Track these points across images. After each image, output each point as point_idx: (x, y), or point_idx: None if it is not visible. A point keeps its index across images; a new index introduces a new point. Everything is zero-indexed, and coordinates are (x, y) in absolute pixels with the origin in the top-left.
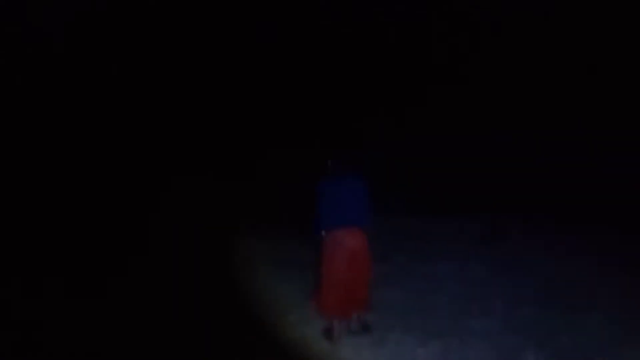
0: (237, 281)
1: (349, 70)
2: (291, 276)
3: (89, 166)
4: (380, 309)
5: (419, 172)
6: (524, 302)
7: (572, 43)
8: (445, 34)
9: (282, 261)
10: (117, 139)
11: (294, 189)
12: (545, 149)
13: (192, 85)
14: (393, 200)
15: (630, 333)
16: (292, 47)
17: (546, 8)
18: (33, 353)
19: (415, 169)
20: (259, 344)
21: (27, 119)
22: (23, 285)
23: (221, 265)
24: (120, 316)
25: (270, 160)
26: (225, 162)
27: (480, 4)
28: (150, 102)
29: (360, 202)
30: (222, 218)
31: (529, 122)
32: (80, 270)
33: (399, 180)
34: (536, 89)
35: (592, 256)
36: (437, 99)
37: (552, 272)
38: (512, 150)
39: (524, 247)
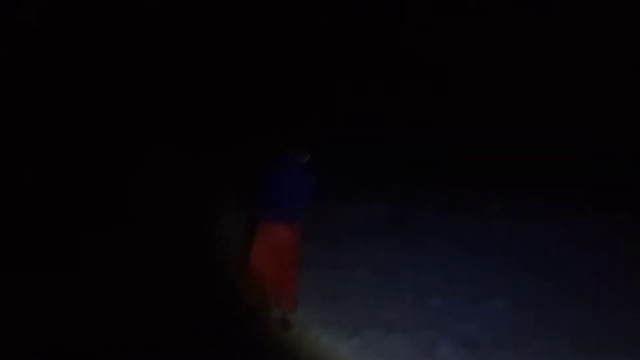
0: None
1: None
2: None
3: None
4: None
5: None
6: (431, 292)
7: (572, 43)
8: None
9: None
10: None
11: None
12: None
13: (186, 81)
14: None
15: (534, 318)
16: (292, 47)
17: (546, 8)
18: None
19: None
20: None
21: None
22: None
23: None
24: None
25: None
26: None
27: (480, 3)
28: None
29: (300, 196)
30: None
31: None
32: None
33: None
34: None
35: (491, 245)
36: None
37: (456, 260)
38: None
39: (429, 234)
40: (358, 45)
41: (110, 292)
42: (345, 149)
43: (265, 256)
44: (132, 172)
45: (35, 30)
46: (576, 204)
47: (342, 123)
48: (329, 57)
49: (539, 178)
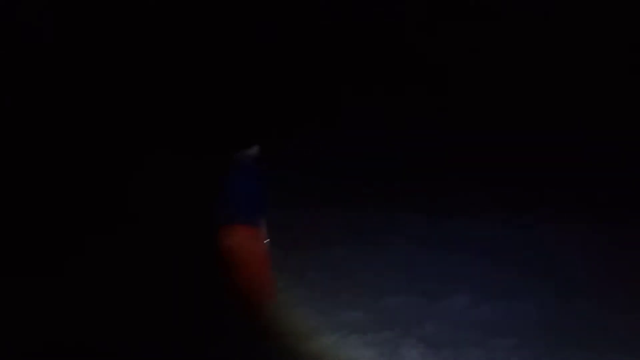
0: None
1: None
2: None
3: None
4: None
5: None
6: (389, 291)
7: (571, 43)
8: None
9: None
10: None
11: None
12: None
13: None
14: None
15: (497, 315)
16: (292, 47)
17: (546, 8)
18: None
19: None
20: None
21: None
22: None
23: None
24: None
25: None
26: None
27: (480, 3)
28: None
29: (254, 195)
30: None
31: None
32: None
33: None
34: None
35: (454, 244)
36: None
37: (413, 258)
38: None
39: (385, 235)
40: (358, 45)
41: (110, 292)
42: (346, 149)
43: (222, 260)
44: (132, 172)
45: (35, 30)
46: (576, 205)
47: (342, 123)
48: (329, 57)
49: (538, 178)
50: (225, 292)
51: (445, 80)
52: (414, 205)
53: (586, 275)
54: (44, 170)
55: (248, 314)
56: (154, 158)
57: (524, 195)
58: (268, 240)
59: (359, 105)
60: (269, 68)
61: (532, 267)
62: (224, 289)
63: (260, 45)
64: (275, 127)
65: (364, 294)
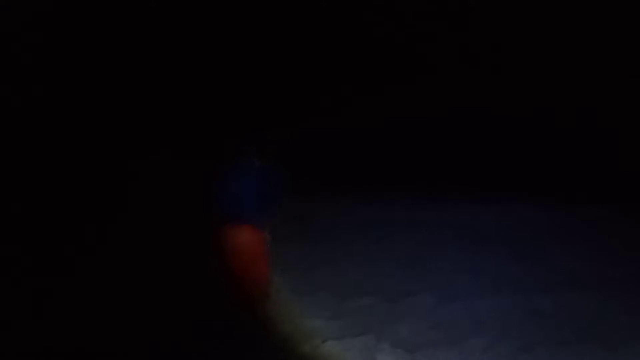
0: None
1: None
2: None
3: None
4: None
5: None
6: (355, 292)
7: (571, 43)
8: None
9: None
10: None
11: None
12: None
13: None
14: None
15: (476, 313)
16: (291, 47)
17: (546, 8)
18: None
19: None
20: None
21: None
22: None
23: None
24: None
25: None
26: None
27: (480, 3)
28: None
29: (259, 197)
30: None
31: None
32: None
33: None
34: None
35: (411, 232)
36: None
37: (372, 252)
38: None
39: (336, 226)
40: (358, 45)
41: (110, 292)
42: (345, 149)
43: (226, 258)
44: (132, 174)
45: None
46: (576, 204)
47: (342, 123)
48: (328, 57)
49: (538, 178)
50: (224, 292)
51: (445, 80)
52: (414, 204)
53: (588, 270)
54: (43, 170)
55: (243, 314)
56: (153, 158)
57: (524, 194)
58: (269, 239)
59: (358, 106)
60: (269, 67)
61: (534, 262)
62: (223, 288)
63: (260, 45)
64: (274, 127)
65: None
